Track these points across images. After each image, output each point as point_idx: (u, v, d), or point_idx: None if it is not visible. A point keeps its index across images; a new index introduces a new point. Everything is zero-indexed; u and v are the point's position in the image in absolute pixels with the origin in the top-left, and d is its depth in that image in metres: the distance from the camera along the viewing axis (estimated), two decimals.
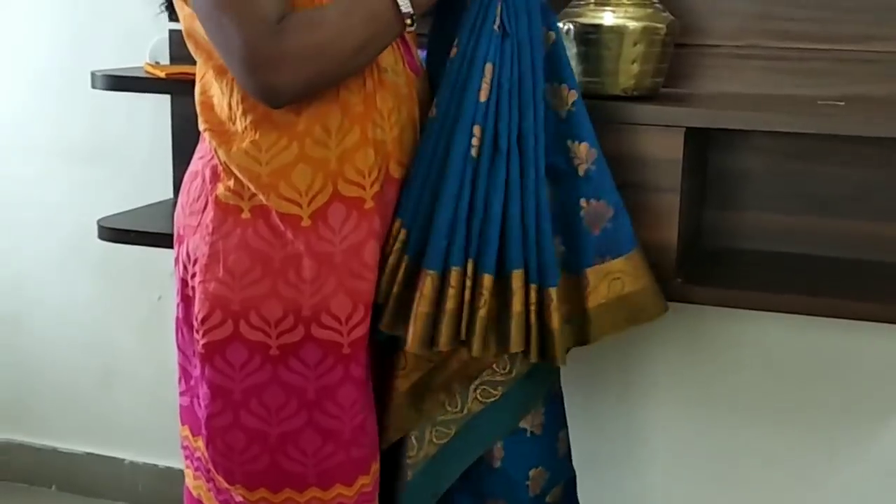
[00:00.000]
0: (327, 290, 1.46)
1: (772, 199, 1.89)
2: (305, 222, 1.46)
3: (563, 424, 1.71)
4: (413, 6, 1.41)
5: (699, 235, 1.90)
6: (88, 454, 2.61)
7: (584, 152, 1.53)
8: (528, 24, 1.49)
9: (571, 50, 1.68)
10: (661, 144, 1.64)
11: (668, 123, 1.63)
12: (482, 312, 1.47)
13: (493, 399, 1.61)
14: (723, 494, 2.09)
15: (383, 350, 1.58)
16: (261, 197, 1.45)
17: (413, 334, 1.48)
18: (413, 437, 1.62)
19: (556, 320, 1.49)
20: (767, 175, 1.88)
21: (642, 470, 2.12)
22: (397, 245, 1.50)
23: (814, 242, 1.87)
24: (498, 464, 1.63)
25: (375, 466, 1.57)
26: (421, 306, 1.47)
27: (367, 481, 1.56)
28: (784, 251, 1.88)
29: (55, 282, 2.55)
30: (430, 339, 1.48)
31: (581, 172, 1.53)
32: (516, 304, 1.48)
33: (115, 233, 2.04)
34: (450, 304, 1.47)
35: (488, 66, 1.47)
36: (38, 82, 2.46)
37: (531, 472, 1.65)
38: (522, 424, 1.64)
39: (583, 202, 1.54)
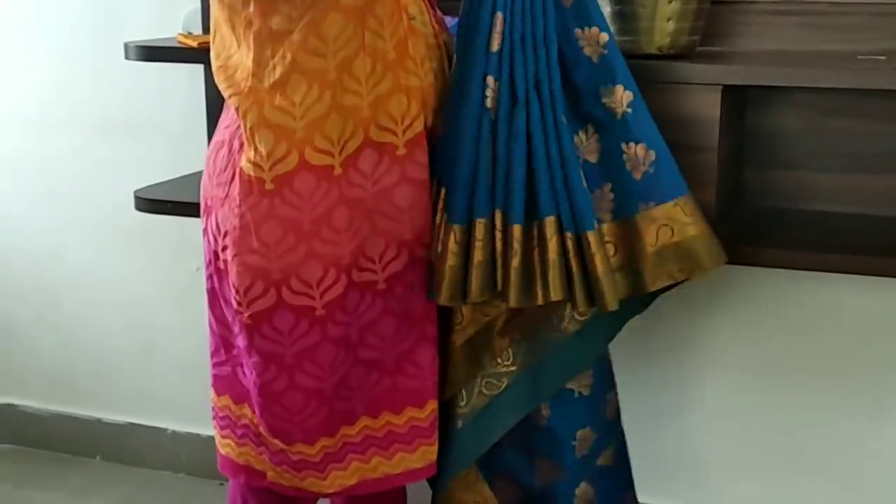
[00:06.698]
0: (363, 234, 1.47)
1: (812, 157, 1.86)
2: (337, 171, 1.46)
3: (612, 386, 1.71)
4: None
5: (739, 195, 1.88)
6: (131, 424, 2.64)
7: (619, 95, 1.51)
8: None
9: (606, 9, 1.67)
10: (697, 103, 1.62)
11: (705, 82, 1.61)
12: (515, 263, 1.48)
13: (544, 354, 1.61)
14: (779, 457, 2.07)
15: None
16: (294, 154, 1.44)
17: (442, 287, 1.49)
18: (463, 389, 1.62)
19: (599, 263, 1.47)
20: (807, 133, 1.85)
21: (695, 432, 2.11)
22: (440, 205, 1.51)
23: (855, 200, 1.84)
24: (544, 423, 1.64)
25: (432, 405, 1.58)
26: (448, 260, 1.49)
27: (420, 415, 1.57)
28: (825, 210, 1.86)
29: (93, 254, 2.57)
30: (462, 292, 1.49)
31: (619, 116, 1.52)
32: (552, 252, 1.47)
33: (152, 203, 2.05)
34: (478, 257, 1.48)
35: (498, 16, 1.47)
36: (71, 56, 2.46)
37: (578, 433, 1.65)
38: (570, 385, 1.64)
39: (624, 146, 1.52)
